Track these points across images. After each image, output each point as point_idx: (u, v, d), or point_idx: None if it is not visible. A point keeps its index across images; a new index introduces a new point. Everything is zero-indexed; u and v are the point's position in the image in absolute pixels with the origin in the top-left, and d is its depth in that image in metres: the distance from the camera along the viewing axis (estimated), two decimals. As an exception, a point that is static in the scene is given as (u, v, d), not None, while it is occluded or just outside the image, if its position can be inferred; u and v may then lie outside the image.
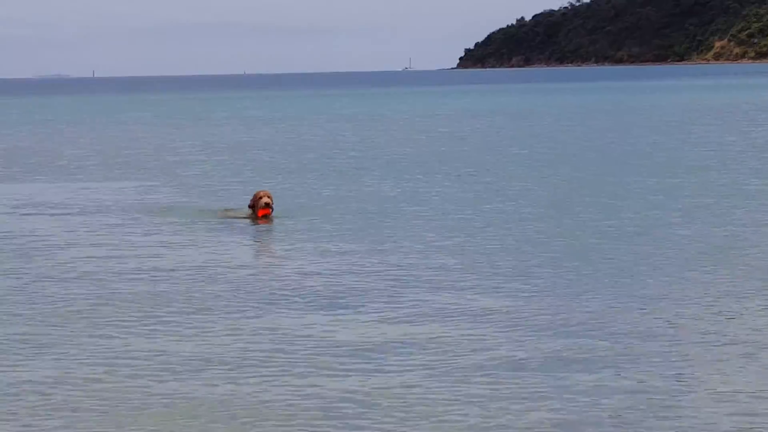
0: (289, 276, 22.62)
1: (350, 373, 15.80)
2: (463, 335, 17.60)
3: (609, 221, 30.17)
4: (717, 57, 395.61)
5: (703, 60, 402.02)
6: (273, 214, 29.50)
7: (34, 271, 24.56)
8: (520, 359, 15.17)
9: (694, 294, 19.25)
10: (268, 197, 29.38)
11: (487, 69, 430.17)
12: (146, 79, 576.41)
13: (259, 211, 29.03)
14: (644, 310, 18.21)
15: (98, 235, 30.54)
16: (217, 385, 14.81)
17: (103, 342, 17.87)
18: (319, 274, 22.76)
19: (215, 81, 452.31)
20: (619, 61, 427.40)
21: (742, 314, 17.75)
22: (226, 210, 31.44)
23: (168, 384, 15.09)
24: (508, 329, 17.78)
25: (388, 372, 15.53)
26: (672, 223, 28.93)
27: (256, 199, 29.33)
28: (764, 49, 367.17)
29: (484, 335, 17.51)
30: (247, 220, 29.47)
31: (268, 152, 63.70)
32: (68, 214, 37.32)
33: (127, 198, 41.29)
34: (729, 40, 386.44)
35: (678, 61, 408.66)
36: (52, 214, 37.46)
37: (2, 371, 14.19)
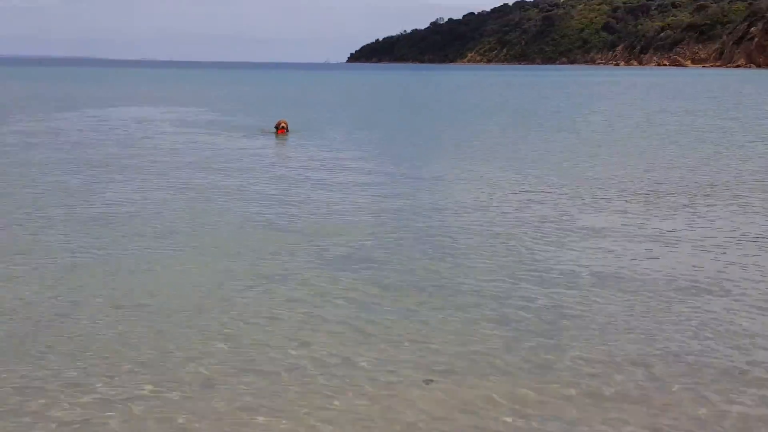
0: (291, 161, 21.87)
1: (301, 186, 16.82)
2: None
3: (411, 139, 28.31)
4: (469, 62, 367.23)
5: (462, 63, 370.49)
6: (288, 131, 28.03)
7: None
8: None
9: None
10: (284, 122, 28.31)
11: (363, 63, 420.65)
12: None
13: (278, 131, 27.72)
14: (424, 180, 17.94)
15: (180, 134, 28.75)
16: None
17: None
18: (308, 156, 22.23)
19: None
20: (423, 61, 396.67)
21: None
22: (263, 129, 29.37)
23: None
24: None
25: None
26: (433, 130, 33.16)
27: (277, 123, 28.33)
28: (494, 60, 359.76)
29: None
30: (274, 134, 27.59)
31: (277, 101, 56.20)
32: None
33: (208, 118, 36.68)
34: (476, 53, 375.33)
35: (451, 62, 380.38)
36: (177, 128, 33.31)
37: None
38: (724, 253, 10.97)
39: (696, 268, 10.13)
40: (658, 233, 12.22)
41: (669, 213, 13.85)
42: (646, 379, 6.63)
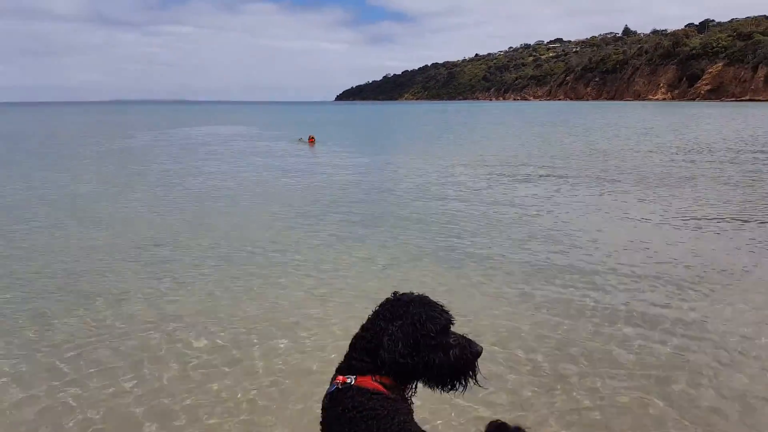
0: (322, 157, 20.23)
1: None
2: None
3: (379, 142, 25.93)
4: (405, 99, 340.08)
5: (401, 100, 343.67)
6: (315, 141, 25.92)
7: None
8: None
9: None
10: (313, 136, 26.55)
11: (347, 101, 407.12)
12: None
13: (309, 140, 25.88)
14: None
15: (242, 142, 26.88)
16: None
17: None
18: (330, 158, 20.39)
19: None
20: (379, 99, 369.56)
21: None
22: (300, 139, 27.54)
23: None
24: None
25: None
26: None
27: (310, 136, 26.60)
28: (419, 98, 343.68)
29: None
30: (307, 143, 25.55)
31: (297, 123, 52.54)
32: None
33: (264, 134, 35.14)
34: (410, 94, 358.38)
35: (394, 100, 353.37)
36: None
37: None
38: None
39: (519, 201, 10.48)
40: (501, 186, 12.43)
41: (519, 178, 14.15)
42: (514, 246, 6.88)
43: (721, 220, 8.95)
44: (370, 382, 1.69)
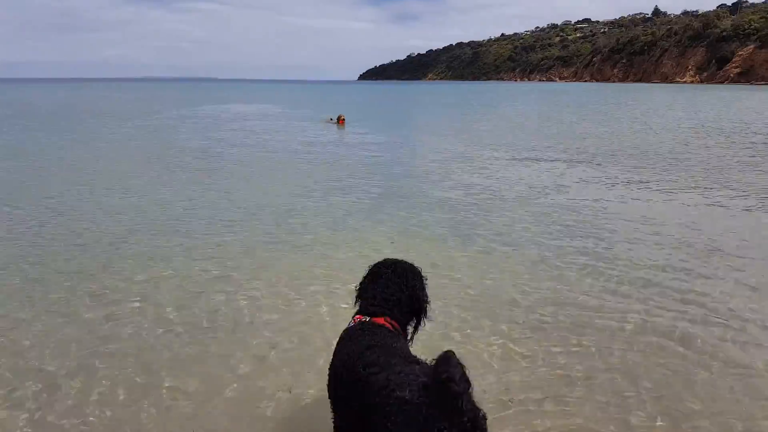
0: (350, 137, 19.70)
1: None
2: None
3: (403, 122, 24.86)
4: (429, 79, 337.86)
5: (425, 80, 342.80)
6: (345, 122, 24.80)
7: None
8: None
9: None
10: (343, 116, 25.26)
11: (370, 80, 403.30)
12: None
13: (339, 121, 24.90)
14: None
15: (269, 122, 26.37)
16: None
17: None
18: (358, 137, 19.61)
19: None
20: (402, 79, 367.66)
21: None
22: (330, 118, 26.73)
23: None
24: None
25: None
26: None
27: (339, 116, 25.42)
28: (443, 78, 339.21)
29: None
30: (336, 123, 24.64)
31: (322, 102, 52.31)
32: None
33: (301, 114, 34.56)
34: (433, 74, 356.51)
35: (418, 80, 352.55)
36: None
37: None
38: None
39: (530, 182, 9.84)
40: (514, 164, 11.81)
41: (528, 158, 13.32)
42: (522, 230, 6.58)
43: None
44: (382, 321, 2.22)
